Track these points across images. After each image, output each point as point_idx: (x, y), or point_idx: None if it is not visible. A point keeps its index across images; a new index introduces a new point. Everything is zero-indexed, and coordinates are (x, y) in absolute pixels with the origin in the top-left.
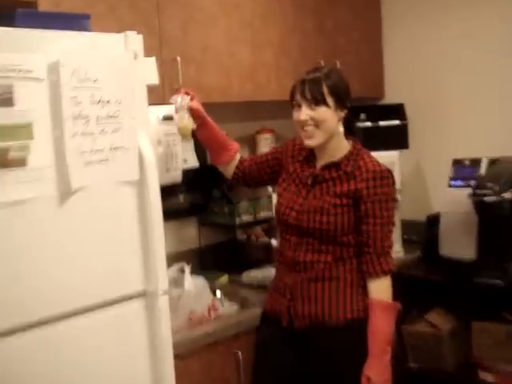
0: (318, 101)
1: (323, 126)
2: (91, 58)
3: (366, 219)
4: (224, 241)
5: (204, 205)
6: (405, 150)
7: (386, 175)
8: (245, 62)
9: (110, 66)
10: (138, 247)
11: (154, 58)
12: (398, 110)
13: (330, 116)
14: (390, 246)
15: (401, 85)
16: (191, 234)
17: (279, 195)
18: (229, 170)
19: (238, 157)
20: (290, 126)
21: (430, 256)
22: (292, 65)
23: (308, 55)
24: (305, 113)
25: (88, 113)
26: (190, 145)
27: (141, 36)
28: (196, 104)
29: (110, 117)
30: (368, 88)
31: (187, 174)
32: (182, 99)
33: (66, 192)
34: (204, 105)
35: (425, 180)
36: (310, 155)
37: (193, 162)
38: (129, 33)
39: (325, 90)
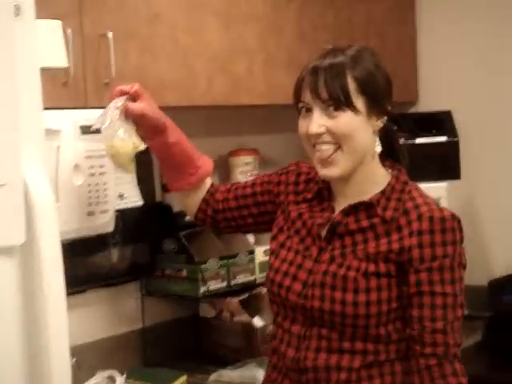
0: (339, 102)
1: (349, 144)
2: None
3: (418, 298)
4: (181, 319)
5: (150, 264)
6: (455, 181)
7: (450, 226)
8: (215, 43)
9: None
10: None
11: (58, 23)
12: (442, 122)
13: (359, 127)
14: (459, 344)
15: (442, 84)
16: (129, 308)
17: (273, 254)
18: (192, 203)
19: (208, 183)
20: (282, 143)
21: (495, 343)
22: (286, 50)
23: (310, 36)
24: (318, 122)
25: None
26: (129, 171)
27: None
28: (144, 107)
29: None
30: (395, 88)
31: (124, 216)
32: (113, 104)
33: None
34: None
35: (484, 226)
36: (324, 190)
37: (133, 199)
38: None
39: (351, 84)
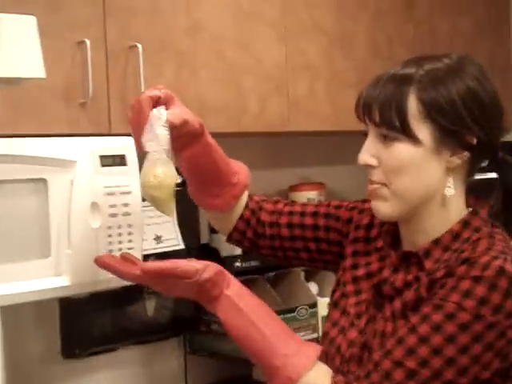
0: (392, 129)
1: (396, 183)
2: None
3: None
4: (230, 382)
5: (193, 318)
6: None
7: (507, 285)
8: (268, 59)
9: None
10: None
11: (31, 19)
12: None
13: (418, 163)
14: None
15: None
16: (170, 369)
17: (334, 306)
18: (226, 222)
19: (245, 196)
20: (351, 176)
21: None
22: (356, 67)
23: (385, 51)
24: (370, 151)
25: None
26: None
27: None
28: (182, 111)
29: None
30: None
31: None
32: (155, 116)
33: None
34: None
35: None
36: (387, 233)
37: (173, 242)
38: None
39: (413, 104)
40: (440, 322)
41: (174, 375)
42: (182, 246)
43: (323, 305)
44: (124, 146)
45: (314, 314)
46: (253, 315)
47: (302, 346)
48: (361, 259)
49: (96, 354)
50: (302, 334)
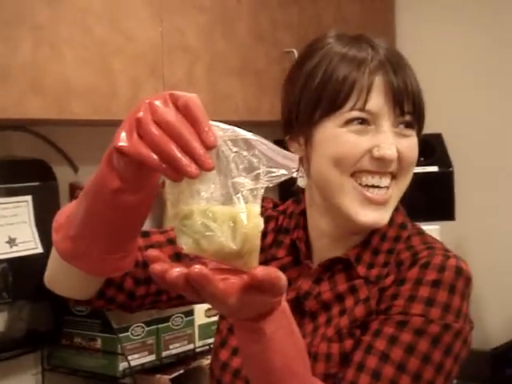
0: (419, 117)
1: (408, 177)
2: None
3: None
4: None
5: (53, 331)
6: (449, 223)
7: (450, 280)
8: (142, 38)
9: None
10: None
11: None
12: (432, 147)
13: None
14: None
15: (430, 103)
16: None
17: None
18: (91, 282)
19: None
20: None
21: None
22: (243, 50)
23: (270, 35)
24: (393, 143)
25: None
26: None
27: None
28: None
29: None
30: None
31: (15, 267)
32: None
33: None
34: None
35: (485, 276)
36: (301, 242)
37: (30, 244)
38: None
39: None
40: (412, 342)
41: None
42: (40, 250)
43: (200, 313)
44: None
45: (191, 323)
46: (302, 343)
47: None
48: None
49: None
50: (176, 345)
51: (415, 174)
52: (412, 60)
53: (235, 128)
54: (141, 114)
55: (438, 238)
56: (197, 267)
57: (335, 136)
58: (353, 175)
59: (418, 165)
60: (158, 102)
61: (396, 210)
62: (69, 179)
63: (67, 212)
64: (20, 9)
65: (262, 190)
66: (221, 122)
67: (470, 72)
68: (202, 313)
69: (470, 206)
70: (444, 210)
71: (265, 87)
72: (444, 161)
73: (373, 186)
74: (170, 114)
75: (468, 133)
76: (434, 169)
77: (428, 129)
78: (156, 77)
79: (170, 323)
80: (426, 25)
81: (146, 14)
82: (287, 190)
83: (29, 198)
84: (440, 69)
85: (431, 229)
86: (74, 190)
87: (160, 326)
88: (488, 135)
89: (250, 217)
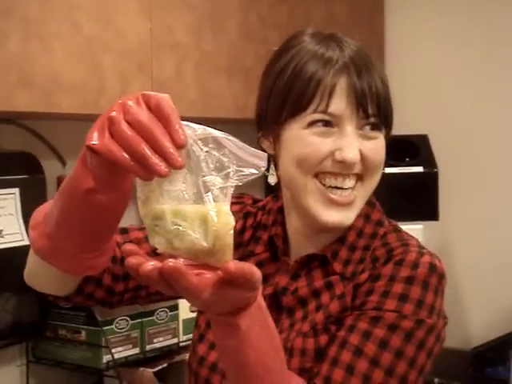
0: (386, 119)
1: (375, 178)
2: None
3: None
4: None
5: (38, 323)
6: (433, 223)
7: (423, 277)
8: (131, 34)
9: None
10: None
11: None
12: (417, 148)
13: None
14: None
15: (417, 104)
16: (11, 379)
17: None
18: (68, 279)
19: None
20: None
21: None
22: (232, 48)
23: (260, 34)
24: (356, 146)
25: None
26: None
27: None
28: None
29: None
30: None
31: (1, 259)
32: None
33: None
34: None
35: (468, 276)
36: (279, 238)
37: (17, 236)
38: None
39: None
40: (385, 337)
41: None
42: (26, 242)
43: (185, 307)
44: None
45: (175, 318)
46: (277, 338)
47: None
48: None
49: None
50: (160, 339)
51: (400, 174)
52: (399, 60)
53: (206, 127)
54: (113, 114)
55: (421, 238)
56: (171, 261)
57: (299, 137)
58: (316, 176)
59: (403, 165)
60: (130, 102)
61: (373, 206)
62: (57, 173)
63: (45, 210)
64: (9, 2)
65: (232, 189)
66: (209, 119)
67: (457, 74)
68: (186, 307)
69: (454, 207)
70: (428, 210)
71: (253, 85)
72: (429, 162)
73: (336, 188)
74: (142, 114)
75: (453, 134)
76: (419, 169)
77: (414, 130)
78: (144, 73)
79: (154, 317)
80: (415, 25)
81: (136, 10)
82: (273, 185)
83: (16, 190)
84: (426, 70)
85: (415, 228)
86: (61, 184)
87: (144, 319)
88: (473, 137)
89: (220, 215)
